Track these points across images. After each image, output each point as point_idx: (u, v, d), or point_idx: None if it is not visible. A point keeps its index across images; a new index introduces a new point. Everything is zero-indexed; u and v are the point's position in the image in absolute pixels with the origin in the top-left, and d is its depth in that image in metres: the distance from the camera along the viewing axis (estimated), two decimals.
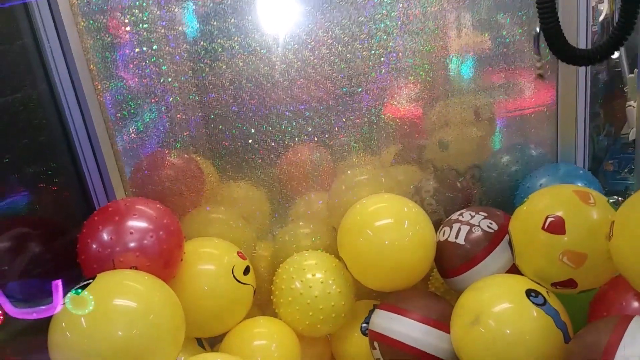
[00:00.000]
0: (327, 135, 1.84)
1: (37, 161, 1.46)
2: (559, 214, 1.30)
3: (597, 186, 1.66)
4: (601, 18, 2.65)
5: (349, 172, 1.83)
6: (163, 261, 1.39)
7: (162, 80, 1.69)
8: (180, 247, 1.47)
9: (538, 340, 1.22)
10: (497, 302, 1.29)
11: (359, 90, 1.81)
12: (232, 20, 1.67)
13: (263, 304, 1.72)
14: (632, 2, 0.94)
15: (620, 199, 2.07)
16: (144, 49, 1.64)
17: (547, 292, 1.32)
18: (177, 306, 1.28)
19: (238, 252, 1.58)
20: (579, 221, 1.29)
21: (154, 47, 1.64)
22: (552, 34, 1.01)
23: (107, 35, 1.57)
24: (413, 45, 1.79)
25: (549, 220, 1.31)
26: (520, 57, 1.88)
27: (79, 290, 1.20)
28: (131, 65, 1.65)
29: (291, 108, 1.79)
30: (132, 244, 1.34)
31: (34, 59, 1.45)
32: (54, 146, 1.53)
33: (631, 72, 2.63)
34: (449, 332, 1.40)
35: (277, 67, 1.75)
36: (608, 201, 1.38)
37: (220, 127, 1.77)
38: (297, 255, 1.68)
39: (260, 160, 1.82)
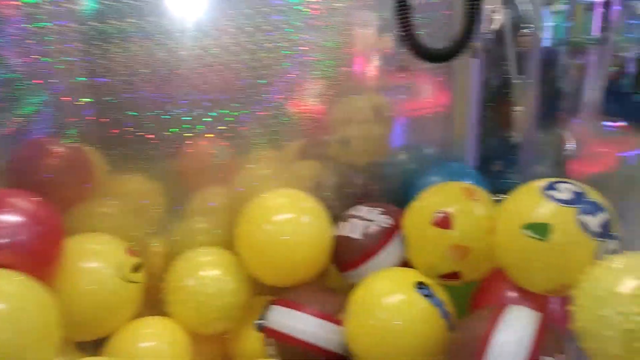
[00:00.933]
0: (228, 128, 1.80)
1: None
2: (447, 209, 1.38)
3: (484, 184, 1.78)
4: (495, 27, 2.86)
5: (250, 166, 1.81)
6: (39, 259, 1.28)
7: (48, 61, 1.56)
8: (59, 243, 1.36)
9: (425, 329, 1.28)
10: (387, 295, 1.34)
11: (263, 82, 1.79)
12: (127, 0, 1.57)
13: (155, 302, 1.65)
14: (473, 12, 1.09)
15: (506, 197, 2.23)
16: (30, 25, 1.50)
17: (434, 284, 1.39)
18: (53, 309, 1.18)
19: (127, 249, 1.50)
20: (465, 216, 1.38)
21: (42, 24, 1.51)
22: (408, 35, 1.13)
23: None
24: (319, 40, 1.80)
25: (437, 215, 1.38)
26: None
27: None
28: (15, 44, 1.50)
29: (190, 97, 1.73)
30: (2, 240, 1.22)
31: None
32: None
33: (517, 78, 2.85)
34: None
35: (175, 53, 1.68)
36: (492, 198, 1.48)
37: (112, 114, 1.66)
38: (192, 252, 1.63)
39: (155, 152, 1.74)
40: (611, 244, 1.17)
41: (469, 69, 1.96)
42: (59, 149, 1.62)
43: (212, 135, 1.77)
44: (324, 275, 1.75)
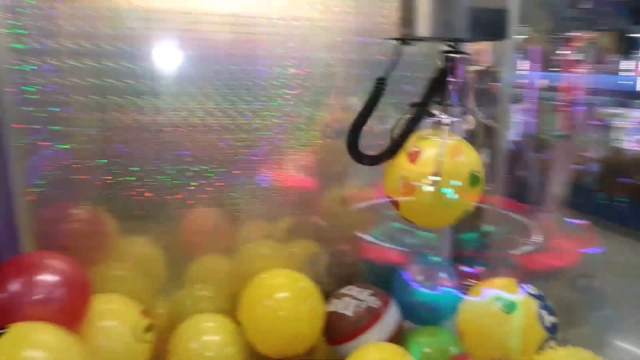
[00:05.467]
0: (229, 199, 2.05)
1: None
2: (422, 148, 1.57)
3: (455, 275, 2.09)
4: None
5: (250, 241, 2.08)
6: (70, 315, 1.49)
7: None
8: (86, 301, 1.58)
9: None
10: None
11: (260, 151, 2.06)
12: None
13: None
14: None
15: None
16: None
17: None
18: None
19: (140, 310, 1.72)
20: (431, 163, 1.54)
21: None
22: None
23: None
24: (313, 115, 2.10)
25: (413, 149, 1.58)
26: None
27: None
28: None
29: (194, 166, 1.98)
30: (41, 296, 1.44)
31: None
32: None
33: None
34: None
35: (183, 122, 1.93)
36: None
37: (123, 178, 1.89)
38: (195, 317, 1.85)
39: (162, 217, 1.99)
40: (552, 343, 1.51)
41: None
42: (77, 213, 1.86)
43: (213, 205, 2.04)
44: (313, 349, 2.00)
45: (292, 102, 2.07)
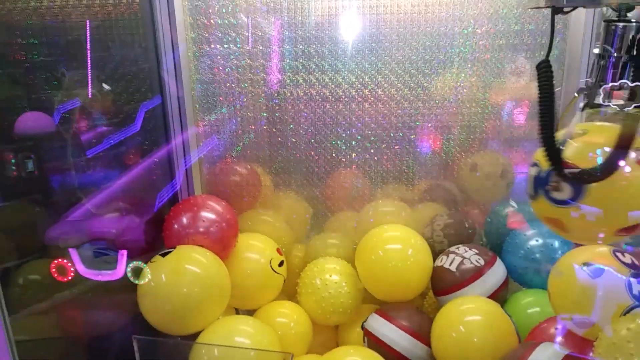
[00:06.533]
0: (372, 161, 2.39)
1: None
2: None
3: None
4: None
5: (379, 201, 2.39)
6: (222, 245, 2.00)
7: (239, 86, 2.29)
8: (235, 236, 2.09)
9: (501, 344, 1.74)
10: (469, 314, 1.83)
11: (416, 123, 2.34)
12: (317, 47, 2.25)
13: (289, 292, 2.30)
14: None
15: None
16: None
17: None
18: (227, 278, 1.89)
19: (277, 249, 2.17)
20: None
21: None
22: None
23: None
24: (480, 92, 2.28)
25: None
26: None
27: (163, 255, 1.83)
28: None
29: (348, 131, 2.36)
30: (202, 229, 1.97)
31: None
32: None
33: None
34: (422, 342, 1.93)
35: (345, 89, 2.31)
36: None
37: (279, 139, 2.37)
38: (322, 259, 2.25)
39: (312, 176, 2.40)
40: (638, 310, 1.50)
41: None
42: (239, 169, 2.38)
43: (356, 169, 2.39)
44: (423, 296, 2.26)
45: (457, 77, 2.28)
